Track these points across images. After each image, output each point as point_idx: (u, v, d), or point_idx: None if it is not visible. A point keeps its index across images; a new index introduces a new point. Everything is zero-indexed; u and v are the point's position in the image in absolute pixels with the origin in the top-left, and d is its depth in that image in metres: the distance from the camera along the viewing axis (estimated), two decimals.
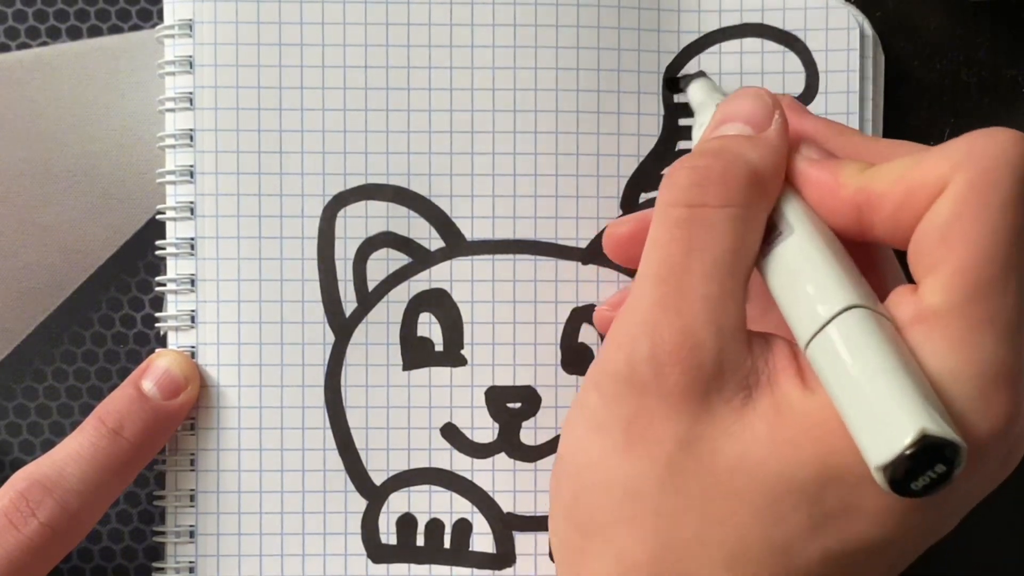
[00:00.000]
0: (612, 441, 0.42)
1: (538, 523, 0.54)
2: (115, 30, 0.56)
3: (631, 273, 0.54)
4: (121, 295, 0.56)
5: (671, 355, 0.41)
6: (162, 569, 0.54)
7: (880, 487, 0.37)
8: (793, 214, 0.43)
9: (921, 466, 0.36)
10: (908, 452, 0.36)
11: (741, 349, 0.41)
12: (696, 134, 0.49)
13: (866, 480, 0.38)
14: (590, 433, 0.43)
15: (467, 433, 0.54)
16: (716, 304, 0.41)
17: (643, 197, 0.54)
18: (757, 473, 0.40)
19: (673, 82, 0.54)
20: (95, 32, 0.56)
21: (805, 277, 0.41)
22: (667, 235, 0.42)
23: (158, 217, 0.54)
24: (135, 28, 0.56)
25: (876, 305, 0.40)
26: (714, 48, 0.54)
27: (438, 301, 0.54)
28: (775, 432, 0.40)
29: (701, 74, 0.54)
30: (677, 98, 0.54)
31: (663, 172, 0.54)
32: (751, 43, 0.54)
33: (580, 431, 0.44)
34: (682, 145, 0.54)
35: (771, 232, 0.43)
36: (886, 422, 0.36)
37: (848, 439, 0.38)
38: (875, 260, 0.46)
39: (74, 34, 0.56)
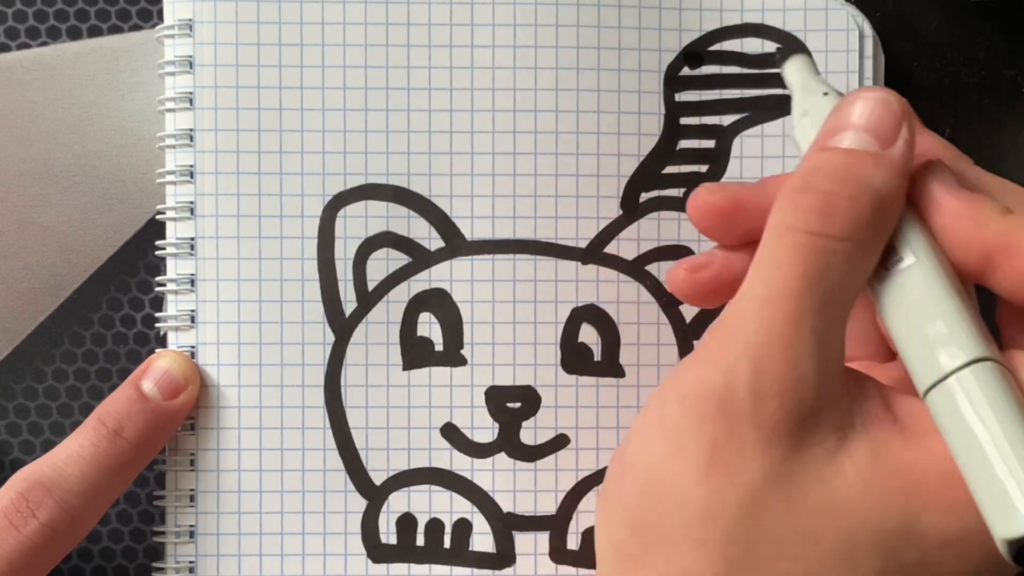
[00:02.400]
0: (693, 459, 0.40)
1: (538, 523, 0.54)
2: (115, 30, 0.56)
3: (629, 272, 0.54)
4: (121, 295, 0.56)
5: (773, 384, 0.39)
6: (162, 569, 0.54)
7: (973, 547, 0.38)
8: (918, 242, 0.41)
9: None
10: None
11: (839, 389, 0.40)
12: (799, 124, 0.46)
13: (950, 544, 0.38)
14: (668, 446, 0.41)
15: (467, 433, 0.54)
16: (823, 338, 0.40)
17: (643, 196, 0.54)
18: (842, 518, 0.39)
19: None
20: (95, 32, 0.56)
21: (931, 315, 0.39)
22: (784, 258, 0.40)
23: (158, 217, 0.54)
24: (135, 28, 0.56)
25: (1004, 360, 0.39)
26: (715, 47, 0.54)
27: (438, 301, 0.54)
28: (868, 480, 0.39)
29: (799, 50, 0.52)
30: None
31: (664, 171, 0.54)
32: (751, 43, 0.55)
33: (656, 442, 0.42)
34: (683, 144, 0.54)
35: (888, 255, 0.41)
36: (1015, 495, 0.36)
37: (943, 497, 0.38)
38: None
39: (74, 34, 0.56)
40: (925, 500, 0.39)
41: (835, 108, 0.43)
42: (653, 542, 0.42)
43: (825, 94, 0.45)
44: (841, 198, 0.40)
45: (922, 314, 0.40)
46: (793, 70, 0.48)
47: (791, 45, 0.54)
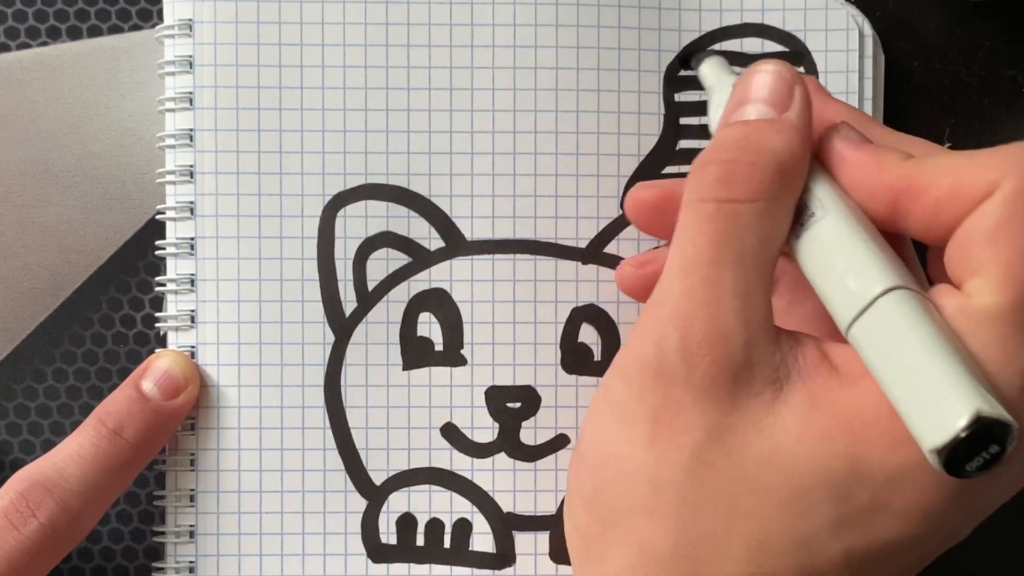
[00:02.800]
0: (638, 431, 0.42)
1: (538, 523, 0.54)
2: (115, 30, 0.56)
3: None
4: (121, 295, 0.56)
5: (700, 345, 0.41)
6: (162, 569, 0.54)
7: (920, 477, 0.38)
8: (826, 195, 0.42)
9: (975, 447, 0.36)
10: (964, 434, 0.36)
11: (770, 342, 0.41)
12: (713, 115, 0.48)
13: (897, 477, 0.39)
14: (615, 423, 0.43)
15: (467, 433, 0.54)
16: (745, 297, 0.41)
17: None
18: (786, 466, 0.40)
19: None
20: (95, 32, 0.56)
21: (845, 257, 0.41)
22: (695, 228, 0.42)
23: (158, 217, 0.54)
24: (135, 28, 0.56)
25: (921, 288, 0.40)
26: (715, 47, 0.54)
27: (438, 301, 0.54)
28: (807, 425, 0.40)
29: (712, 52, 0.54)
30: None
31: (664, 171, 0.54)
32: (751, 43, 0.55)
33: (604, 420, 0.43)
34: (683, 144, 0.54)
35: (802, 213, 0.43)
36: (940, 404, 0.36)
37: (883, 432, 0.39)
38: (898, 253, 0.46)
39: (74, 34, 0.56)
40: (866, 437, 0.39)
41: (733, 88, 0.45)
42: (611, 519, 0.43)
43: (734, 84, 0.47)
44: (742, 164, 0.42)
45: (835, 257, 0.41)
46: (708, 70, 0.50)
47: (705, 51, 0.55)
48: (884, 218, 0.42)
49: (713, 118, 0.47)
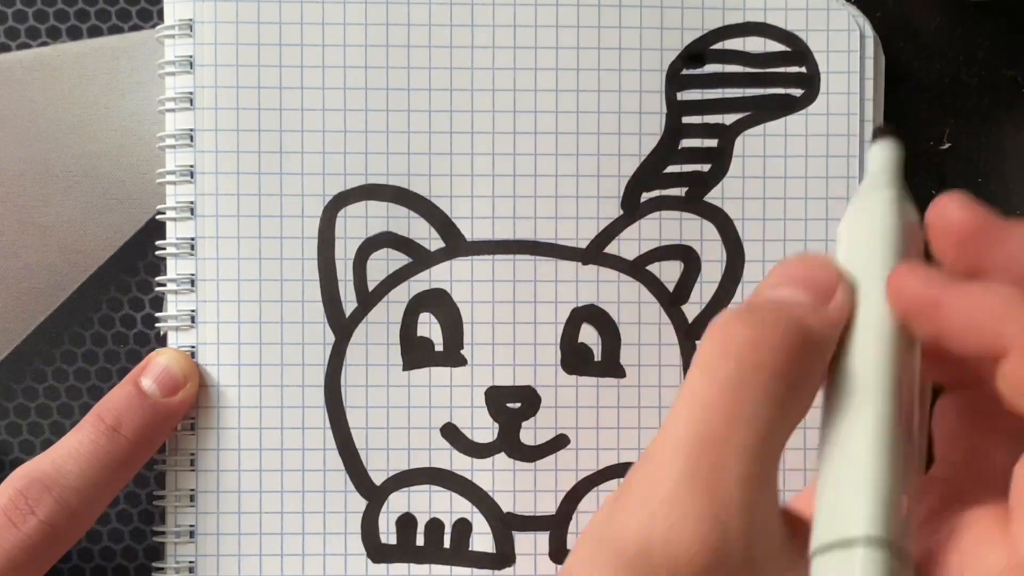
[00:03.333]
0: None
1: (538, 523, 0.54)
2: (115, 30, 0.56)
3: (630, 272, 0.54)
4: (121, 295, 0.56)
5: (692, 545, 0.36)
6: (162, 569, 0.54)
7: None
8: (876, 383, 0.38)
9: None
10: None
11: (777, 540, 0.38)
12: (848, 215, 0.42)
13: None
14: None
15: (467, 433, 0.54)
16: (753, 489, 0.37)
17: (644, 196, 0.54)
18: None
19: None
20: (95, 32, 0.56)
21: (847, 469, 0.37)
22: (710, 395, 0.37)
23: (158, 217, 0.54)
24: (135, 28, 0.56)
25: (905, 542, 0.36)
26: (717, 46, 0.54)
27: (438, 301, 0.54)
28: None
29: (893, 132, 0.43)
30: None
31: (666, 171, 0.54)
32: (753, 42, 0.55)
33: None
34: (685, 143, 0.54)
35: (838, 388, 0.39)
36: None
37: None
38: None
39: (74, 34, 0.56)
40: None
41: (779, 264, 0.42)
42: None
43: (883, 197, 0.41)
44: (776, 330, 0.38)
45: (841, 463, 0.37)
46: (877, 155, 0.42)
47: (889, 125, 0.51)
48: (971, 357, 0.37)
49: (846, 223, 0.42)
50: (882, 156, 0.42)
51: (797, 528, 0.38)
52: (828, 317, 0.39)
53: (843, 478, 0.37)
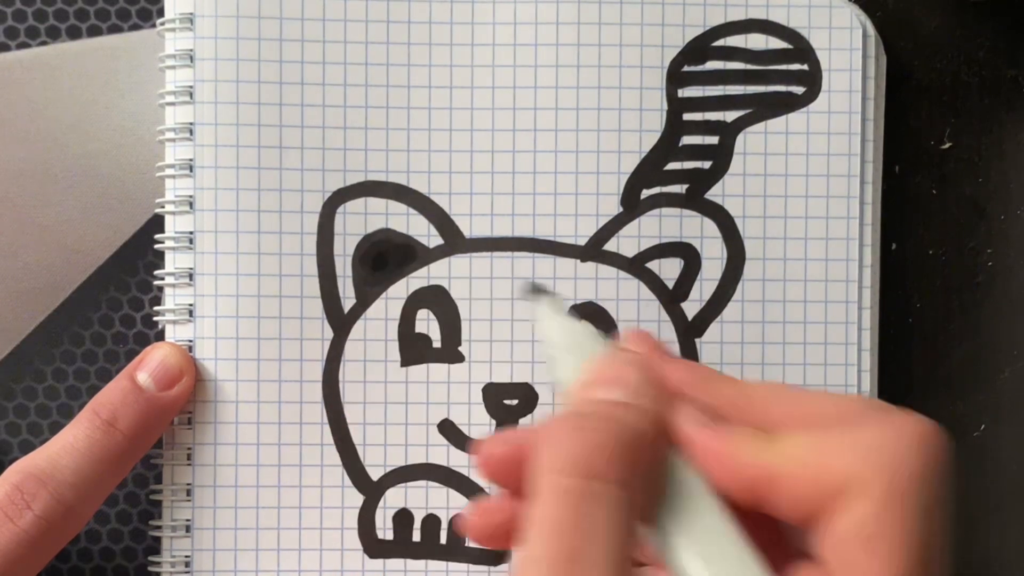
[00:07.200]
0: None
1: None
2: (115, 29, 0.57)
3: (629, 270, 0.54)
4: (121, 295, 0.56)
5: None
6: (158, 563, 0.54)
7: None
8: (686, 485, 0.40)
9: None
10: None
11: None
12: (561, 368, 0.44)
13: None
14: None
15: (464, 429, 0.54)
16: None
17: (644, 193, 0.54)
18: None
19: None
20: (95, 32, 0.56)
21: (713, 562, 0.38)
22: (558, 514, 0.38)
23: (157, 211, 0.54)
24: (135, 27, 0.57)
25: None
26: (719, 42, 0.55)
27: (436, 298, 0.54)
28: None
29: (548, 290, 0.47)
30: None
31: (666, 168, 0.54)
32: (755, 39, 0.55)
33: None
34: (686, 140, 0.55)
35: (661, 500, 0.40)
36: None
37: None
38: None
39: (74, 34, 0.56)
40: None
41: (589, 367, 0.42)
42: None
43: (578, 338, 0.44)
44: (608, 439, 0.39)
45: (704, 564, 0.39)
46: (548, 310, 0.46)
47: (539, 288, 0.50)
48: (746, 503, 0.40)
49: (562, 370, 0.44)
50: (552, 309, 0.45)
51: None
52: (649, 413, 0.40)
53: (718, 567, 0.38)
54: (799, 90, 0.55)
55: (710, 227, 0.55)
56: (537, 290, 0.47)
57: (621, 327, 0.54)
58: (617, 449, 0.38)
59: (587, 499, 0.38)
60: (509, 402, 0.54)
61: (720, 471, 0.40)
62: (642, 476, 0.39)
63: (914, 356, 0.58)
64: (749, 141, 0.55)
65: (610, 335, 0.45)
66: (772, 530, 0.41)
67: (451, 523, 0.54)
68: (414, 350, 0.54)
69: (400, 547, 0.54)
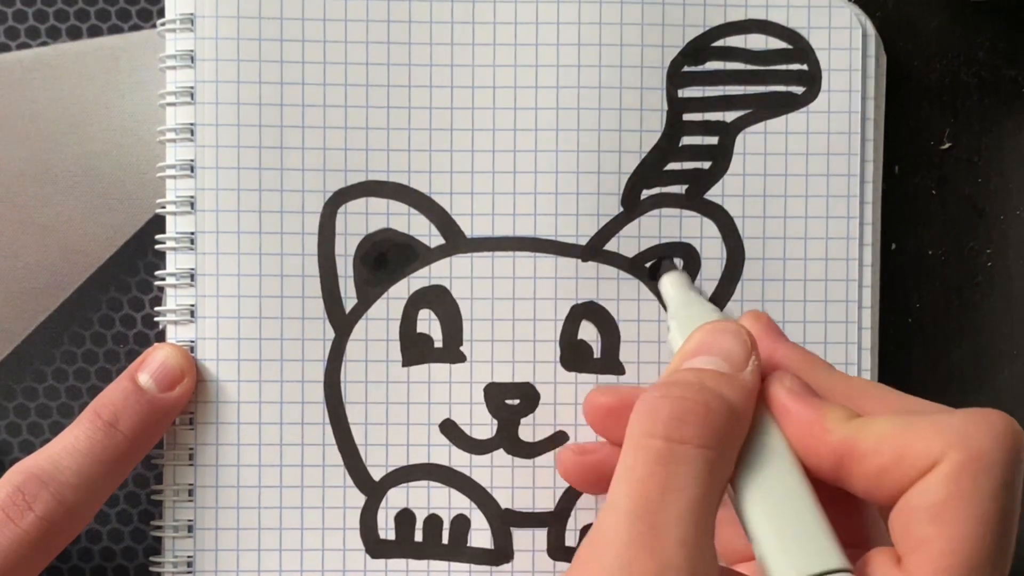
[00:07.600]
0: None
1: (536, 519, 0.54)
2: (115, 30, 0.57)
3: (632, 271, 0.54)
4: (121, 295, 0.56)
5: None
6: (160, 563, 0.54)
7: None
8: (772, 448, 0.43)
9: None
10: None
11: None
12: (674, 339, 0.48)
13: None
14: None
15: (466, 429, 0.54)
16: (692, 549, 0.39)
17: (645, 193, 0.54)
18: None
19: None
20: (95, 32, 0.56)
21: (786, 522, 0.41)
22: (644, 469, 0.41)
23: (158, 211, 0.54)
24: (135, 28, 0.57)
25: (856, 569, 0.40)
26: (719, 42, 0.55)
27: (438, 298, 0.54)
28: None
29: (674, 266, 0.54)
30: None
31: (666, 168, 0.54)
32: (755, 39, 0.55)
33: None
34: (686, 140, 0.54)
35: (744, 460, 0.43)
36: None
37: None
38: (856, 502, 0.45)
39: (74, 34, 0.56)
40: None
41: (691, 335, 0.46)
42: None
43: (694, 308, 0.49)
44: (696, 407, 0.42)
45: (779, 520, 0.41)
46: (669, 287, 0.52)
47: (668, 263, 0.55)
48: (828, 475, 0.42)
49: (674, 344, 0.48)
50: (674, 283, 0.52)
51: None
52: (744, 385, 0.43)
53: (789, 527, 0.41)
54: (799, 90, 0.55)
55: (710, 227, 0.55)
56: (667, 266, 0.53)
57: (621, 327, 0.54)
58: (706, 416, 0.41)
59: (671, 460, 0.41)
60: (511, 402, 0.54)
61: (809, 440, 0.42)
62: (729, 443, 0.42)
63: (914, 356, 0.58)
64: (749, 141, 0.55)
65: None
66: (849, 513, 0.44)
67: (453, 523, 0.54)
68: (415, 350, 0.54)
69: (402, 547, 0.54)
